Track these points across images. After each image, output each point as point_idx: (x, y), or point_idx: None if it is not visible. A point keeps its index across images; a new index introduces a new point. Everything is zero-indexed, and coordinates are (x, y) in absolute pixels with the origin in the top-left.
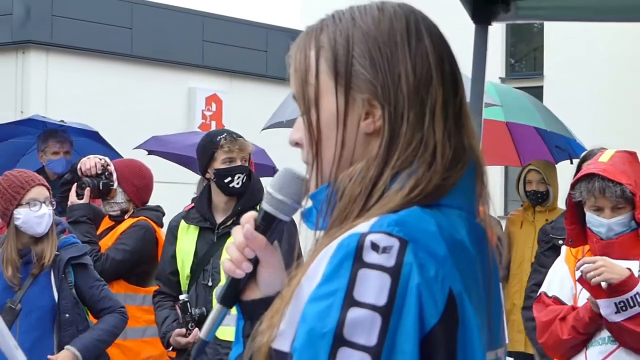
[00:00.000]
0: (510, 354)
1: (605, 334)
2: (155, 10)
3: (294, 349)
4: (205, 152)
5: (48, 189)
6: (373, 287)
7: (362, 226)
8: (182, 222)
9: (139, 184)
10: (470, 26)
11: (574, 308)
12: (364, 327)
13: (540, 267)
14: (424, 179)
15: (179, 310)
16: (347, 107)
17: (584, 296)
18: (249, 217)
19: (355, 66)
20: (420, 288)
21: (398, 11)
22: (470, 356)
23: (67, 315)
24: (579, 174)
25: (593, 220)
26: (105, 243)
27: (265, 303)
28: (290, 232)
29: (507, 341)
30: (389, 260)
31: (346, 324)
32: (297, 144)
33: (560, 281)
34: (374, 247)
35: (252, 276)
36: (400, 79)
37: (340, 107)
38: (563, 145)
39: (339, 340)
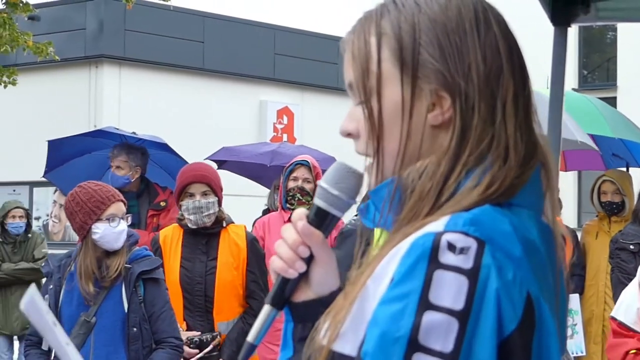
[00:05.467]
0: None
1: None
2: (227, 23)
3: (364, 353)
4: None
5: (125, 204)
6: (450, 290)
7: (436, 225)
8: None
9: None
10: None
11: (632, 348)
12: (440, 332)
13: (625, 275)
14: (499, 176)
15: None
16: (414, 98)
17: None
18: (300, 214)
19: (422, 55)
20: (499, 292)
21: None
22: None
23: (134, 329)
24: None
25: None
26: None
27: (319, 304)
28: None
29: (585, 353)
30: (467, 262)
31: (421, 328)
32: (349, 135)
33: (628, 305)
34: (451, 247)
35: (303, 276)
36: (471, 68)
37: (405, 97)
38: (622, 152)
39: (414, 345)
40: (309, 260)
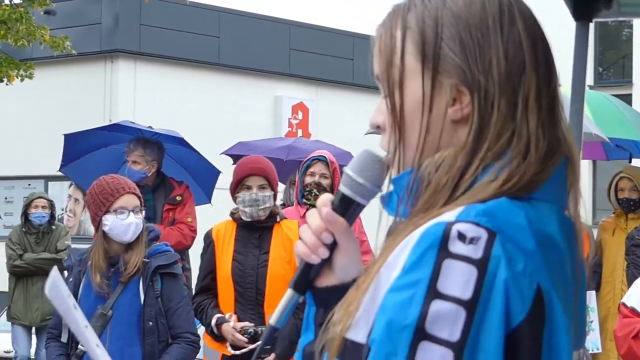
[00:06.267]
0: None
1: None
2: (242, 18)
3: (372, 340)
4: None
5: (139, 197)
6: (458, 280)
7: (448, 215)
8: None
9: None
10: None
11: None
12: (447, 321)
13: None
14: (518, 172)
15: None
16: (434, 92)
17: None
18: (325, 200)
19: (444, 49)
20: (507, 283)
21: None
22: (555, 356)
23: (150, 323)
24: None
25: None
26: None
27: (341, 290)
28: None
29: (600, 350)
30: (476, 252)
31: (428, 317)
32: (378, 127)
33: None
34: (461, 237)
35: (326, 261)
36: (492, 64)
37: (426, 91)
38: (625, 144)
39: (420, 333)
40: (333, 246)
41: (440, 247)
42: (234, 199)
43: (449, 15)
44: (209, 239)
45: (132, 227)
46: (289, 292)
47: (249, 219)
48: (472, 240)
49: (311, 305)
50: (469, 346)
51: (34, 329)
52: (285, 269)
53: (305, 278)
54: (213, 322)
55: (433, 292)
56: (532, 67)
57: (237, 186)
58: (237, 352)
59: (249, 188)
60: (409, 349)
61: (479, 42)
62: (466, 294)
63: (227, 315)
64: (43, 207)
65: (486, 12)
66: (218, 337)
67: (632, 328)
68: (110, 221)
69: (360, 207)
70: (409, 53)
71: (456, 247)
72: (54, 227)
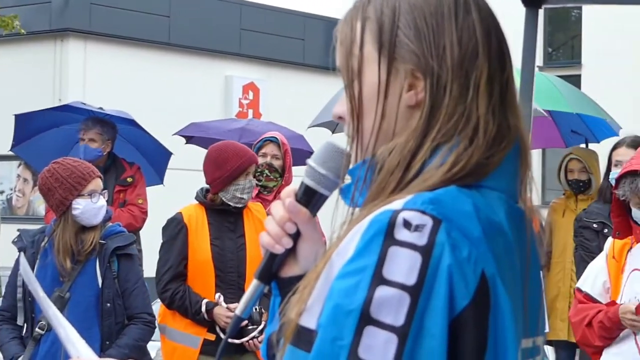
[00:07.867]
0: (551, 342)
1: None
2: None
3: (318, 325)
4: None
5: (102, 180)
6: (403, 266)
7: (396, 203)
8: None
9: None
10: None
11: (599, 310)
12: (391, 306)
13: (588, 253)
14: (465, 155)
15: None
16: (389, 78)
17: (627, 294)
18: (289, 192)
19: (399, 37)
20: (451, 269)
21: None
22: (501, 341)
23: (108, 304)
24: (623, 170)
25: None
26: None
27: None
28: None
29: (547, 329)
30: (421, 239)
31: (373, 302)
32: (340, 118)
33: (594, 277)
34: (406, 224)
35: (290, 252)
36: (445, 50)
37: (382, 77)
38: (581, 129)
39: (365, 318)
40: (297, 236)
41: (386, 235)
42: (226, 186)
43: (406, 4)
44: (180, 224)
45: (103, 210)
46: (255, 282)
47: (239, 205)
48: (417, 228)
49: (276, 295)
50: (413, 331)
51: None
52: (259, 251)
53: (270, 268)
54: (203, 308)
55: (378, 278)
56: (484, 55)
57: (239, 175)
58: (237, 341)
59: (247, 175)
60: (354, 333)
61: (433, 29)
62: (410, 279)
63: (216, 297)
64: None
65: (442, 1)
66: (205, 322)
67: (585, 314)
68: (82, 205)
69: (323, 197)
70: (367, 42)
71: (402, 234)
72: None
